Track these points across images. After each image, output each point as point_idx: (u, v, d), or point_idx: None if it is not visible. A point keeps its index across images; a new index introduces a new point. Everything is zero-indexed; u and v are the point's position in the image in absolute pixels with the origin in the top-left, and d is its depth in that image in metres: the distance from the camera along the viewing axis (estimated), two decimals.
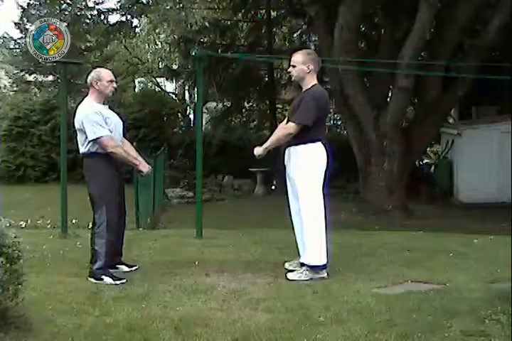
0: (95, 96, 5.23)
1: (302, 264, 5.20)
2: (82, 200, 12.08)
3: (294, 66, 5.29)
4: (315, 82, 5.28)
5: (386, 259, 5.92)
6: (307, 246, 5.14)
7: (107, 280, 4.97)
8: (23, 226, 8.36)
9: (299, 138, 5.18)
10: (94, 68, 5.56)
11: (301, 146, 5.18)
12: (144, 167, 5.28)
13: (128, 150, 5.30)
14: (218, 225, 8.46)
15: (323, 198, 5.25)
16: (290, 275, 5.12)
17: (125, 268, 5.36)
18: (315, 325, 3.84)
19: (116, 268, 5.34)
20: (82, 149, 5.29)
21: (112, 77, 5.26)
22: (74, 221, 8.42)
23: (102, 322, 3.85)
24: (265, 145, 5.32)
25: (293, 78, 5.37)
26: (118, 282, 4.95)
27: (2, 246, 3.54)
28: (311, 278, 5.06)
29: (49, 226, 8.59)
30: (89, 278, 5.03)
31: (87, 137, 5.16)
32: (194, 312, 4.09)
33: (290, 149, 5.24)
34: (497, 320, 3.78)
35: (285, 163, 5.32)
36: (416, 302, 4.30)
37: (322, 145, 5.25)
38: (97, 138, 5.08)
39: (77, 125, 5.24)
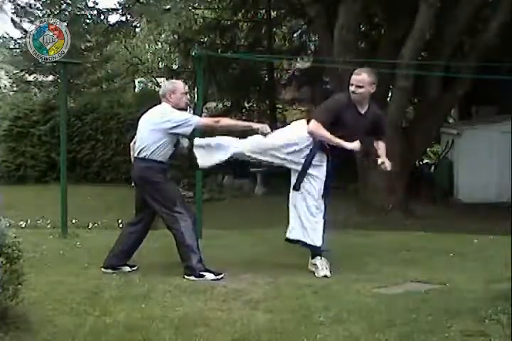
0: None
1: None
2: (82, 200, 12.12)
3: (361, 86, 5.24)
4: (368, 104, 5.43)
5: (386, 259, 5.93)
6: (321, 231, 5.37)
7: (208, 275, 5.04)
8: (23, 226, 8.35)
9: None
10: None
11: None
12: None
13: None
14: (218, 225, 8.46)
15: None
16: (320, 274, 5.26)
17: (127, 269, 5.37)
18: (315, 325, 3.84)
19: (119, 268, 5.34)
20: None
21: (186, 90, 5.36)
22: (74, 221, 8.43)
23: (102, 322, 3.85)
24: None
25: (357, 98, 5.30)
26: (219, 276, 5.06)
27: (2, 246, 3.54)
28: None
29: (49, 226, 8.58)
30: (187, 277, 5.03)
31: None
32: (194, 312, 4.10)
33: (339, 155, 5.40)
34: (497, 320, 3.78)
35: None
36: (416, 302, 4.31)
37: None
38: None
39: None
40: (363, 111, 5.39)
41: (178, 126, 5.12)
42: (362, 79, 5.24)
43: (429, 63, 10.64)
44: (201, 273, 5.06)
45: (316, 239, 5.36)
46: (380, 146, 5.65)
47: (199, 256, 5.13)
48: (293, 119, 10.31)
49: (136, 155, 5.27)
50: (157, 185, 5.18)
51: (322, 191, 5.40)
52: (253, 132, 5.41)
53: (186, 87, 5.42)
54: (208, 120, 5.40)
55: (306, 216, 5.38)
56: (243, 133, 5.60)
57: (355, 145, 5.27)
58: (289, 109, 18.49)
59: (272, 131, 5.33)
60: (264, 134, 5.28)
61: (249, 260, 5.86)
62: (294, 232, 5.43)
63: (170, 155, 5.27)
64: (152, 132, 5.17)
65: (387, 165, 5.50)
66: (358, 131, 5.36)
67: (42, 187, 14.84)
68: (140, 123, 5.40)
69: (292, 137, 5.39)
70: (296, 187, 5.36)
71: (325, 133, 5.23)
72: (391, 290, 4.76)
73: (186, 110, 5.37)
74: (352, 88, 5.27)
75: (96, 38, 18.11)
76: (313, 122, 5.30)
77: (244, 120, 18.85)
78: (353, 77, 5.30)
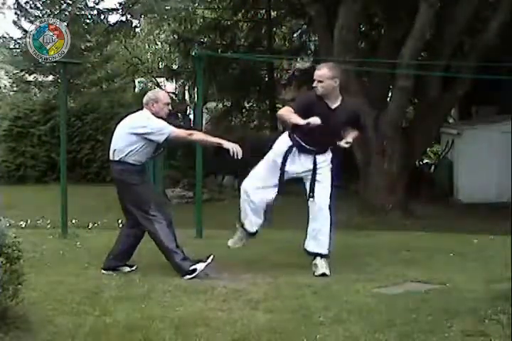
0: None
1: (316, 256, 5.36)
2: (82, 200, 12.13)
3: (321, 81, 5.25)
4: (340, 94, 5.39)
5: (386, 259, 5.93)
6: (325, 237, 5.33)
7: (199, 266, 5.08)
8: (23, 226, 8.35)
9: (332, 145, 5.39)
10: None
11: (329, 153, 5.44)
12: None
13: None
14: (218, 225, 8.45)
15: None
16: (318, 272, 5.26)
17: (126, 269, 5.37)
18: (315, 325, 3.84)
19: (118, 269, 5.35)
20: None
21: (169, 100, 5.42)
22: (74, 221, 8.43)
23: (102, 322, 3.85)
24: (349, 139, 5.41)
25: (319, 93, 5.31)
26: (209, 260, 5.13)
27: (2, 246, 3.54)
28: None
29: (49, 226, 8.58)
30: (184, 277, 5.04)
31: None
32: (194, 312, 4.10)
33: (320, 155, 5.41)
34: (497, 320, 3.78)
35: (304, 165, 5.44)
36: (416, 302, 4.31)
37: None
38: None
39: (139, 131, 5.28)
40: (333, 106, 5.37)
41: (152, 133, 5.22)
42: (322, 74, 5.28)
43: (429, 63, 10.64)
44: (191, 268, 5.08)
45: (312, 246, 5.41)
46: (352, 132, 5.52)
47: (182, 254, 5.17)
48: None
49: (111, 158, 5.36)
50: (133, 187, 5.26)
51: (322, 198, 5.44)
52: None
53: (168, 98, 5.48)
54: (182, 132, 5.40)
55: (310, 223, 5.46)
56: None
57: (313, 119, 5.15)
58: None
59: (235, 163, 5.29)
60: (236, 155, 5.22)
61: (249, 260, 5.86)
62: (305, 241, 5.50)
63: (147, 158, 5.36)
64: (127, 135, 5.27)
65: (346, 144, 5.36)
66: (329, 126, 5.30)
67: (42, 187, 14.83)
68: (118, 126, 5.46)
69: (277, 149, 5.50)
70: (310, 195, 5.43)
71: (289, 114, 5.27)
72: (391, 290, 4.76)
73: (165, 120, 5.38)
74: (314, 83, 5.33)
75: (96, 38, 18.11)
76: (285, 107, 5.49)
77: (245, 121, 19.04)
78: (315, 72, 5.36)
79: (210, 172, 14.18)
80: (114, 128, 5.49)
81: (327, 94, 5.31)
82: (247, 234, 5.60)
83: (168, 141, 5.27)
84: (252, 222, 5.52)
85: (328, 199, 5.42)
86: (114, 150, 5.32)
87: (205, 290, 4.66)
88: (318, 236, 5.37)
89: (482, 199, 11.86)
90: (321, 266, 5.32)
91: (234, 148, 5.19)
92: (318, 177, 5.40)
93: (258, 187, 5.44)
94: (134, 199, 5.26)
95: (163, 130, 5.22)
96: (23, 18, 17.98)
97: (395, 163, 10.97)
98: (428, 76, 10.55)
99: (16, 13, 17.72)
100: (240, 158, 5.15)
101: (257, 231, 5.60)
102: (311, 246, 5.38)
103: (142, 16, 16.83)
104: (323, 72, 5.28)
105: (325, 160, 5.44)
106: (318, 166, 5.40)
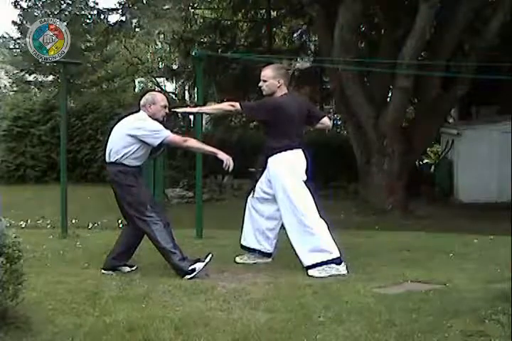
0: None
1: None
2: (82, 200, 12.13)
3: (264, 81, 5.51)
4: (283, 92, 5.51)
5: (386, 259, 5.93)
6: (307, 247, 5.36)
7: (198, 266, 5.08)
8: (23, 226, 8.35)
9: (276, 147, 5.44)
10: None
11: (278, 155, 5.44)
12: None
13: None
14: (218, 225, 8.47)
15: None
16: (311, 272, 5.24)
17: (126, 269, 5.37)
18: (315, 325, 3.84)
19: (118, 269, 5.35)
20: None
21: (166, 103, 5.42)
22: (74, 221, 8.43)
23: (102, 322, 3.85)
24: (198, 109, 5.94)
25: (264, 92, 5.57)
26: (207, 259, 5.14)
27: (2, 246, 3.54)
28: (331, 275, 5.19)
29: (49, 226, 8.58)
30: (184, 277, 5.04)
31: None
32: (194, 312, 4.09)
33: (269, 159, 5.53)
34: (497, 320, 3.78)
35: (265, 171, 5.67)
36: (416, 302, 4.30)
37: (299, 153, 5.50)
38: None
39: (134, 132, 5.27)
40: None
41: (147, 135, 5.21)
42: (265, 74, 5.54)
43: (429, 63, 10.64)
44: (190, 268, 5.08)
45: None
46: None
47: (180, 255, 5.15)
48: None
49: (107, 159, 5.37)
50: (129, 189, 5.25)
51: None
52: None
53: (166, 100, 5.46)
54: (177, 137, 5.39)
55: None
56: None
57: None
58: None
59: (234, 163, 5.25)
60: (228, 167, 5.26)
61: None
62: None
63: (142, 160, 5.36)
64: (124, 137, 5.26)
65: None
66: None
67: (42, 187, 14.83)
68: (114, 128, 5.45)
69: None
70: None
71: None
72: (391, 290, 4.76)
73: (162, 122, 5.38)
74: (260, 83, 5.58)
75: (96, 38, 18.13)
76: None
77: (245, 121, 19.04)
78: (261, 72, 5.60)
79: (210, 172, 14.19)
80: (111, 130, 5.48)
81: (271, 92, 5.52)
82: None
83: (163, 144, 5.27)
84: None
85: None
86: (110, 151, 5.32)
87: (205, 290, 4.66)
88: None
89: (482, 199, 11.87)
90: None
91: (227, 161, 5.28)
92: None
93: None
94: (129, 201, 5.24)
95: (159, 133, 5.22)
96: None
97: (395, 162, 10.98)
98: (428, 76, 10.55)
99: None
100: (230, 170, 5.28)
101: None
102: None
103: (140, 18, 16.82)
104: (266, 72, 5.54)
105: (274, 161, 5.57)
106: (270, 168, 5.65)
